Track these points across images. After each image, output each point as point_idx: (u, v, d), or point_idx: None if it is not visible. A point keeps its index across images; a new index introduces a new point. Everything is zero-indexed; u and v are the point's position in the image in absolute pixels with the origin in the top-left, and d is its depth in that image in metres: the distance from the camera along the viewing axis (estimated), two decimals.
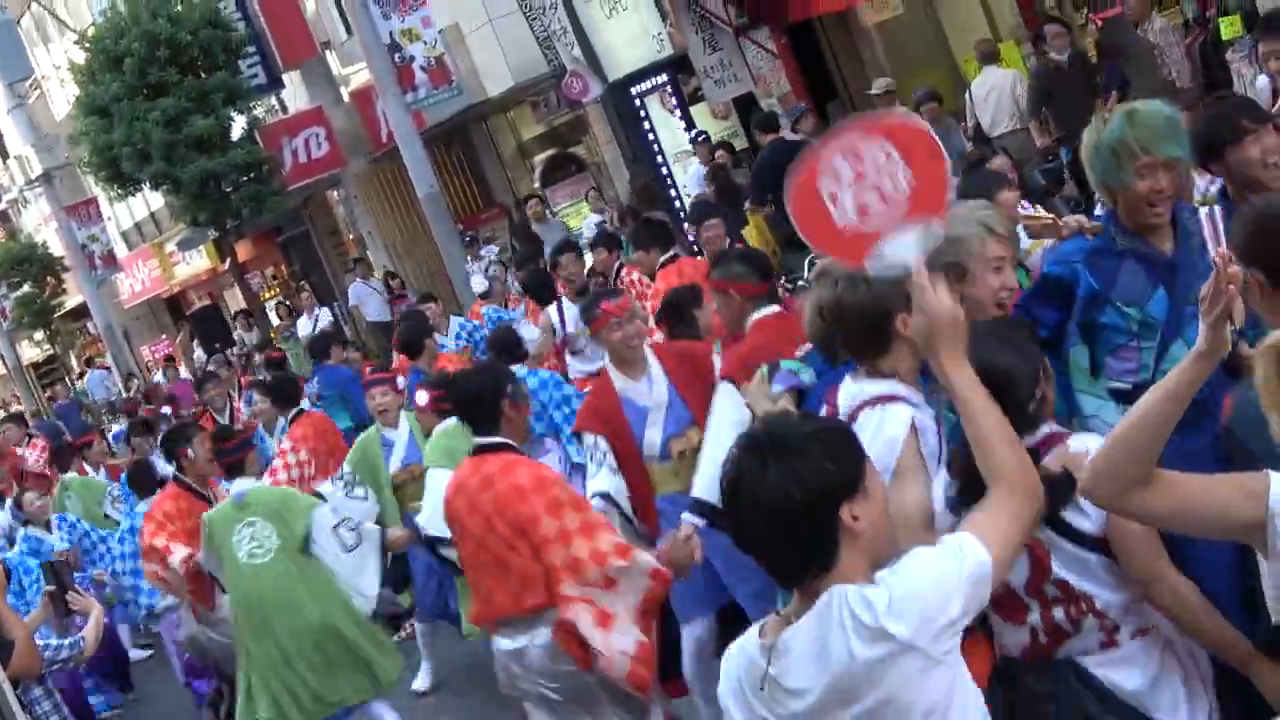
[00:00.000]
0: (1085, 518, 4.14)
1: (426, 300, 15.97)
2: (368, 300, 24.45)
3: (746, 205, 16.56)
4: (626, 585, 6.19)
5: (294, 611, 8.53)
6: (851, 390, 4.70)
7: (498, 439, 6.48)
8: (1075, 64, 14.04)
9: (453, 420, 7.94)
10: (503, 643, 6.45)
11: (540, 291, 13.45)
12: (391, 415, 10.39)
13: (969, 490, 4.03)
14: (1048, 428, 4.33)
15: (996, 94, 15.94)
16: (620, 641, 6.18)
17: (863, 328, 4.67)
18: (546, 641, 6.26)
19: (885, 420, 4.50)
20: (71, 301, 39.51)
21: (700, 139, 19.42)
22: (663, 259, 11.36)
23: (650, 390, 7.23)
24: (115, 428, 19.75)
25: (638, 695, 6.39)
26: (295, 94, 29.00)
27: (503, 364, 8.45)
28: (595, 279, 13.09)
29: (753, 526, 3.37)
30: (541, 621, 6.25)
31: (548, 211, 22.11)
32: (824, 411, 4.79)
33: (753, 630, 3.52)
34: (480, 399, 6.52)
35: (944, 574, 3.35)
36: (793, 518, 3.31)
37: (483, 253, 21.99)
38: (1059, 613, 4.19)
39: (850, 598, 3.28)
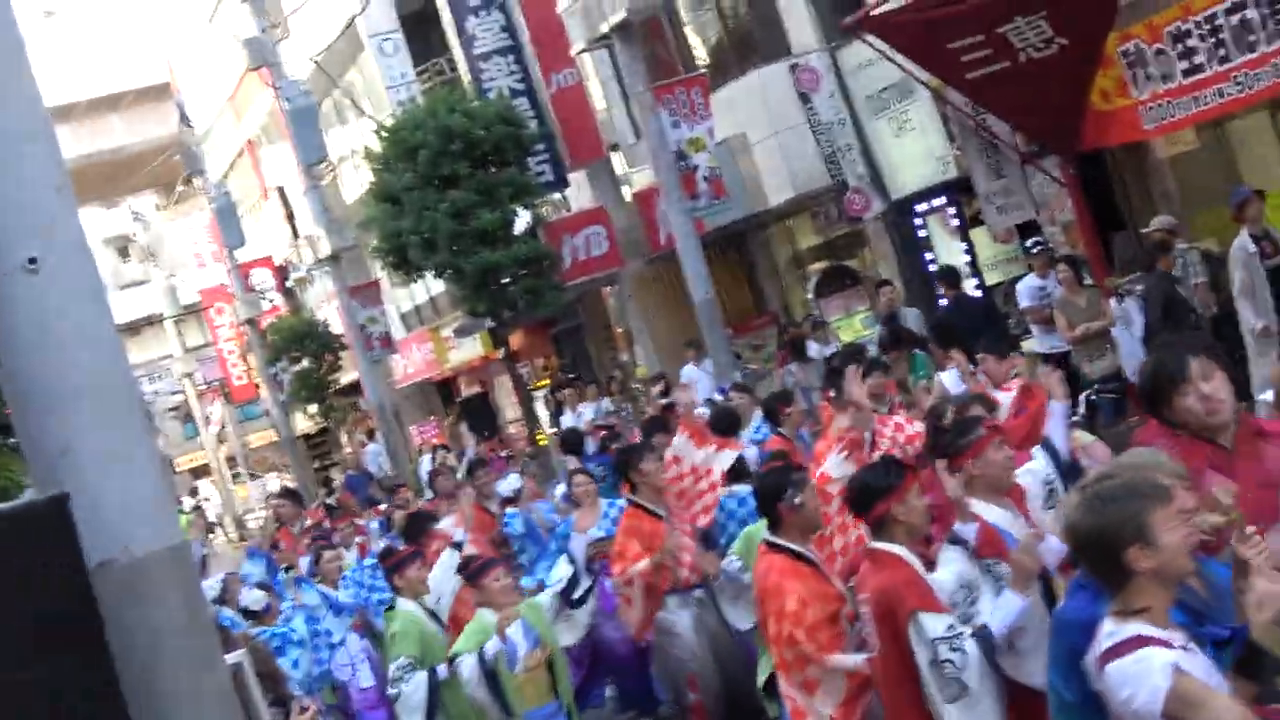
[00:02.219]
0: None
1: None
2: (699, 382, 22.50)
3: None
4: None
5: None
6: (1105, 632, 4.52)
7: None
8: None
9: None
10: None
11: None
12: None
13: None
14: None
15: None
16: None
17: (1096, 556, 4.55)
18: None
19: (1140, 670, 4.33)
20: (346, 378, 40.65)
21: (1035, 249, 18.17)
22: None
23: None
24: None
25: None
26: (579, 191, 29.55)
27: None
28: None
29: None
30: None
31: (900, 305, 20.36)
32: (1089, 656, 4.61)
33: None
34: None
35: None
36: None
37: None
38: None
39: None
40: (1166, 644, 4.36)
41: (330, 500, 28.02)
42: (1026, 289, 17.70)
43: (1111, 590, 4.54)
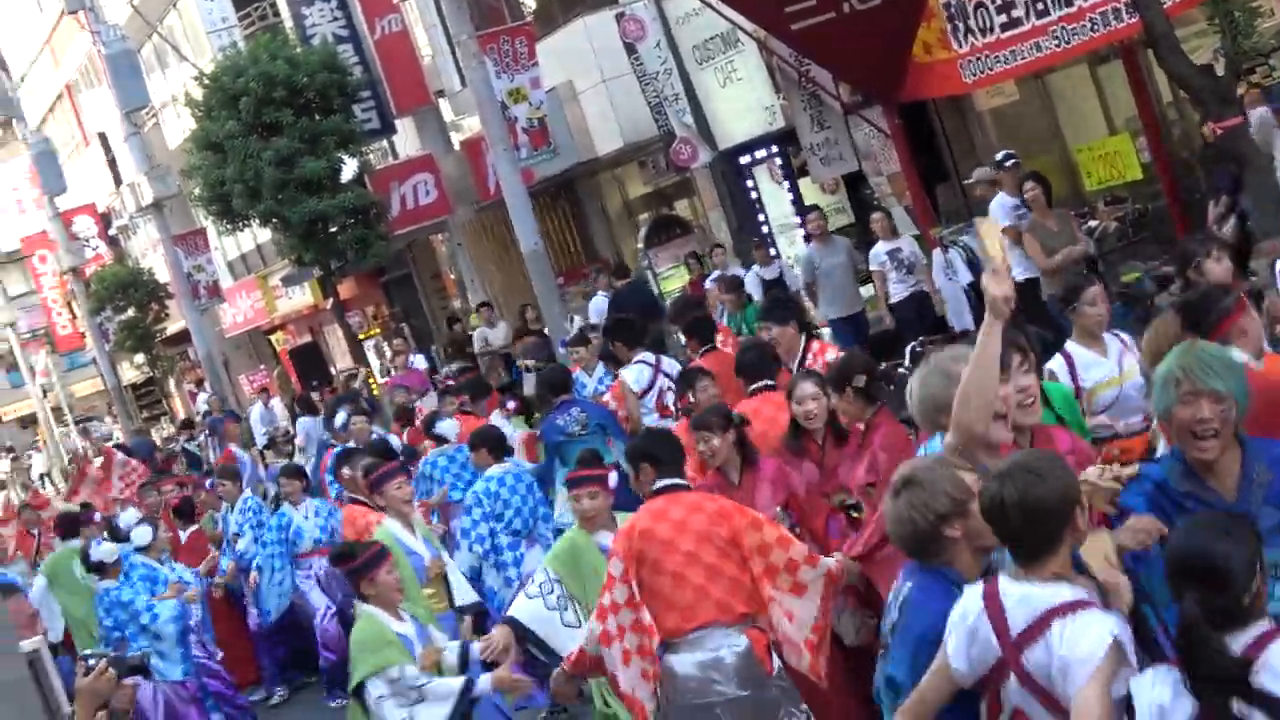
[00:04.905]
0: None
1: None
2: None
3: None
4: (812, 590, 7.20)
5: None
6: (1021, 595, 4.52)
7: (682, 480, 7.55)
8: None
9: None
10: (691, 657, 7.15)
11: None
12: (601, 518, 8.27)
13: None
14: (1262, 625, 4.22)
15: None
16: (797, 635, 7.19)
17: (1043, 523, 4.52)
18: (744, 649, 7.10)
19: (1085, 629, 4.37)
20: (173, 327, 40.02)
21: (1009, 162, 15.87)
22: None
23: None
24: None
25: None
26: (406, 140, 29.25)
27: None
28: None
29: None
30: (739, 629, 7.15)
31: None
32: (984, 620, 4.60)
33: None
34: (676, 453, 7.68)
35: None
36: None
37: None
38: None
39: None
40: (1102, 607, 4.44)
41: (193, 446, 27.60)
42: (1002, 207, 15.72)
43: (1030, 558, 4.54)
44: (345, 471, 11.80)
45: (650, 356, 13.08)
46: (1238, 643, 4.15)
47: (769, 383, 9.47)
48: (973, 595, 4.64)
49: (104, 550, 12.41)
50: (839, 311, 17.66)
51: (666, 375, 12.69)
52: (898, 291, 17.23)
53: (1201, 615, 4.17)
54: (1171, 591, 4.33)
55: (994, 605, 4.54)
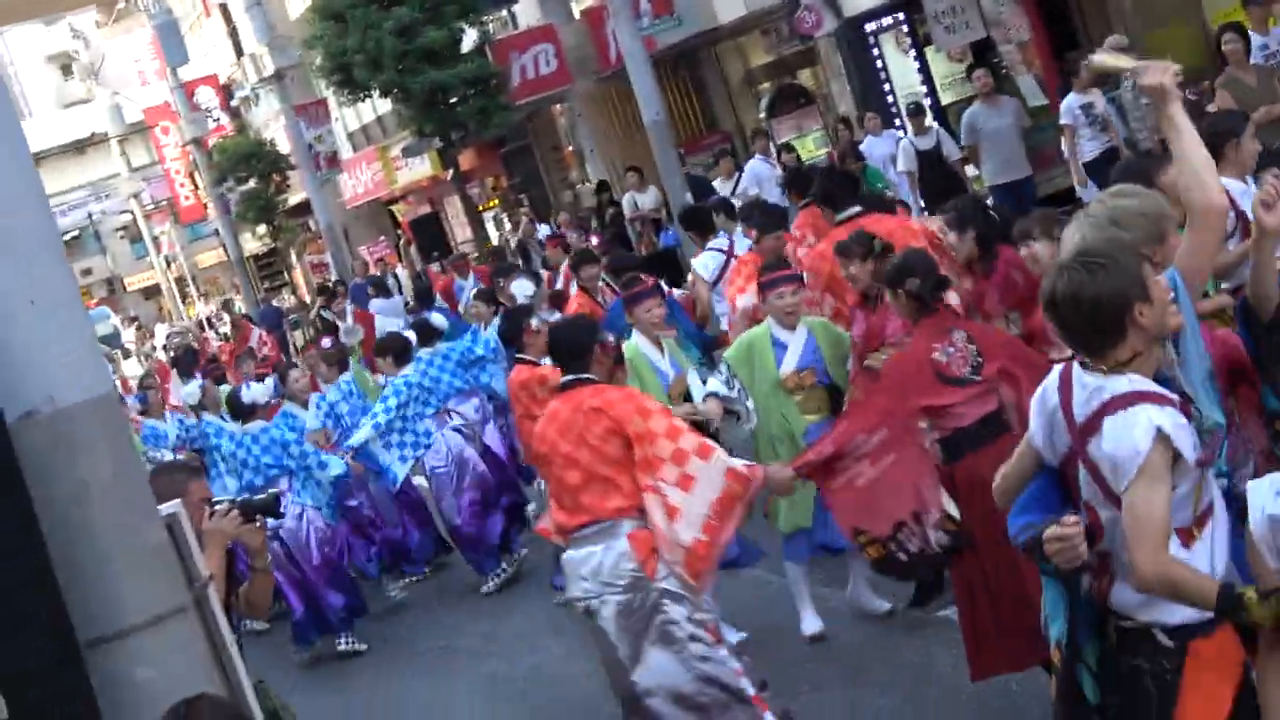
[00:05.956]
0: None
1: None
2: (767, 182, 19.58)
3: None
4: (703, 485, 6.88)
5: None
6: (1088, 385, 4.41)
7: (587, 375, 7.30)
8: None
9: None
10: (575, 553, 7.15)
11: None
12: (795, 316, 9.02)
13: None
14: None
15: None
16: (683, 535, 6.86)
17: (1102, 318, 4.37)
18: (619, 550, 6.95)
19: (1131, 425, 4.25)
20: (294, 198, 40.26)
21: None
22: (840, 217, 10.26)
23: None
24: None
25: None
26: (526, 9, 29.03)
27: None
28: None
29: None
30: (619, 530, 7.00)
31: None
32: (1056, 406, 4.53)
33: None
34: (576, 344, 7.42)
35: None
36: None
37: None
38: None
39: None
40: (1161, 400, 4.29)
41: (328, 314, 27.78)
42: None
43: (1089, 352, 4.43)
44: (533, 323, 11.56)
45: (724, 243, 12.68)
46: None
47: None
48: (1053, 377, 4.57)
49: (257, 390, 12.96)
50: (1004, 177, 17.00)
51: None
52: (1089, 150, 15.80)
53: None
54: None
55: (1066, 392, 4.49)
